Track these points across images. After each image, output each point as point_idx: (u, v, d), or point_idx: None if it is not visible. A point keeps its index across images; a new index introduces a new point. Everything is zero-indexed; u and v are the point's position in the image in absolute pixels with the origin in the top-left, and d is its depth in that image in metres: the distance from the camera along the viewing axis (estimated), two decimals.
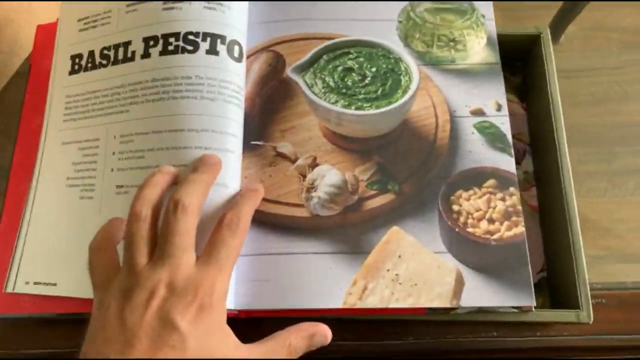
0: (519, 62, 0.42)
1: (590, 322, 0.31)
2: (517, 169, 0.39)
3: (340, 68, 0.34)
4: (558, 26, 0.53)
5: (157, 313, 0.23)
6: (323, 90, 0.34)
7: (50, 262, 0.32)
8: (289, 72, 0.34)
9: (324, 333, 0.27)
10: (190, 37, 0.32)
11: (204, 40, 0.32)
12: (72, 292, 0.31)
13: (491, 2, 0.36)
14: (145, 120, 0.31)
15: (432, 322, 0.34)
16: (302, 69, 0.34)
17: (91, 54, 0.34)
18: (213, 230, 0.26)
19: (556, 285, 0.35)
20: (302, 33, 0.35)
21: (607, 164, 0.50)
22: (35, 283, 0.31)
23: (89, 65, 0.34)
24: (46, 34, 0.38)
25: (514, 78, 0.42)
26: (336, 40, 0.35)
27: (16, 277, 0.32)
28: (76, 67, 0.35)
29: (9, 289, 0.32)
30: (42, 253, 0.32)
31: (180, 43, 0.31)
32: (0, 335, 0.35)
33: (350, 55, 0.35)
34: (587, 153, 0.50)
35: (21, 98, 0.38)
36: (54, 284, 0.31)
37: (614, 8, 0.54)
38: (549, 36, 0.38)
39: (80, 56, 0.35)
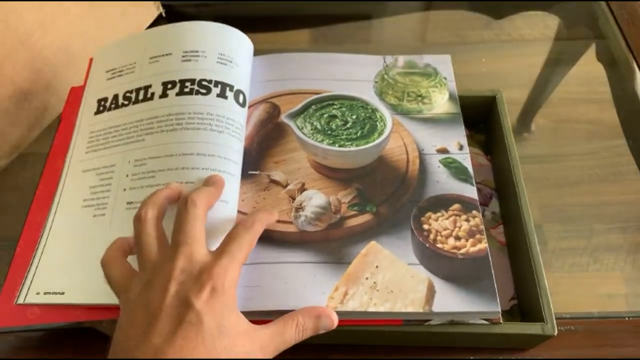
0: (482, 123, 0.49)
1: (555, 334, 0.34)
2: (484, 210, 0.44)
3: (326, 115, 0.41)
4: (527, 116, 0.61)
5: (175, 295, 0.26)
6: (311, 132, 0.40)
7: (61, 273, 0.34)
8: (283, 117, 0.41)
9: (329, 315, 0.29)
10: (204, 82, 0.38)
11: (215, 86, 0.38)
12: (78, 299, 0.33)
13: (451, 69, 0.44)
14: (158, 146, 0.36)
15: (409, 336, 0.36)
16: (294, 115, 0.41)
17: (115, 96, 0.40)
18: (230, 230, 0.30)
19: (525, 310, 0.38)
20: (295, 89, 0.42)
21: (587, 240, 0.54)
22: (45, 293, 0.34)
23: (113, 105, 0.40)
24: (77, 95, 0.45)
25: (478, 135, 0.49)
26: (323, 94, 0.42)
27: (28, 289, 0.34)
28: (101, 108, 0.41)
29: (20, 300, 0.34)
30: (54, 265, 0.35)
31: (195, 87, 0.38)
32: (8, 350, 0.37)
33: (335, 106, 0.41)
34: (567, 230, 0.54)
35: (47, 149, 0.44)
36: (62, 293, 0.34)
37: (578, 104, 0.62)
38: (503, 97, 0.46)
39: (105, 99, 0.41)
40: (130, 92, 0.40)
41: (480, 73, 0.63)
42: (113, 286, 0.29)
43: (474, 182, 0.37)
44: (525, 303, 0.38)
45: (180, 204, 0.30)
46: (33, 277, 0.35)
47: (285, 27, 0.63)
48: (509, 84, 0.64)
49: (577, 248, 0.54)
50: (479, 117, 0.48)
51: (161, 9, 0.59)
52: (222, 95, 0.38)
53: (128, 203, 0.35)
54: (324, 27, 0.63)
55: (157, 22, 0.59)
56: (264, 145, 0.39)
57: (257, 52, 0.43)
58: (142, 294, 0.27)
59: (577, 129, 0.59)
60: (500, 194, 0.44)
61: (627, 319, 0.40)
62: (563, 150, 0.61)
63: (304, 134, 0.39)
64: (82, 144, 0.40)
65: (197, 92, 0.38)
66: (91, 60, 0.45)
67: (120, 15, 0.54)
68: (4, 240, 0.41)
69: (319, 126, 0.40)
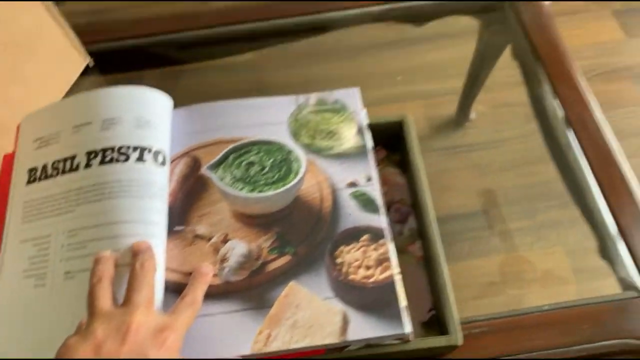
0: (398, 144, 0.52)
1: (459, 344, 0.38)
2: (402, 227, 0.48)
3: (244, 162, 0.44)
4: (464, 106, 0.65)
5: (132, 349, 0.30)
6: (232, 181, 0.43)
7: (5, 346, 0.37)
8: (203, 170, 0.44)
9: None
10: (123, 149, 0.41)
11: (134, 151, 0.41)
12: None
13: (359, 101, 0.47)
14: (87, 217, 0.39)
15: None
16: (215, 166, 0.44)
17: (44, 167, 0.43)
18: (177, 303, 0.35)
19: (440, 320, 0.42)
20: (214, 139, 0.45)
21: (531, 220, 0.59)
22: None
23: (43, 176, 0.42)
24: (10, 162, 0.47)
25: (394, 156, 0.52)
26: (240, 142, 0.45)
27: None
28: (32, 178, 0.43)
29: None
30: (1, 336, 0.38)
31: (115, 154, 0.41)
32: None
33: (253, 152, 0.44)
34: (514, 212, 0.59)
35: None
36: None
37: (512, 87, 0.66)
38: (411, 121, 0.49)
39: (35, 169, 0.43)
40: (58, 162, 0.42)
41: (412, 68, 0.66)
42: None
43: (381, 211, 0.41)
44: (440, 313, 0.42)
45: (134, 266, 0.35)
46: None
47: (206, 75, 0.66)
48: (445, 75, 0.68)
49: (522, 228, 0.59)
50: (394, 139, 0.51)
51: (89, 59, 0.61)
52: (140, 159, 0.41)
53: (66, 273, 0.38)
54: (241, 70, 0.66)
55: (86, 72, 0.61)
56: (187, 199, 0.42)
57: (179, 104, 0.46)
58: (93, 344, 0.30)
59: (514, 112, 0.63)
60: (416, 211, 0.48)
61: (533, 314, 0.44)
62: (503, 135, 0.65)
63: (225, 184, 0.43)
64: (18, 214, 0.42)
65: (117, 160, 0.40)
66: (18, 127, 0.46)
67: (46, 76, 0.55)
68: None
69: (238, 174, 0.43)
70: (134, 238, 0.38)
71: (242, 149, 0.45)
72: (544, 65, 0.59)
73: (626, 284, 0.46)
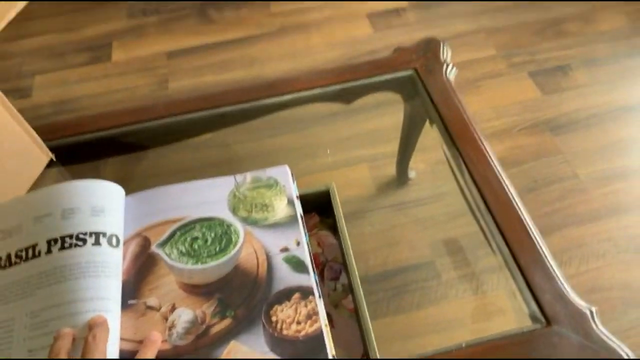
0: (329, 209, 0.60)
1: None
2: (336, 283, 0.54)
3: (189, 238, 0.50)
4: (402, 167, 0.73)
5: None
6: (178, 256, 0.49)
7: None
8: (153, 248, 0.49)
9: None
10: (81, 235, 0.46)
11: (90, 236, 0.47)
12: None
13: (289, 176, 0.55)
14: (47, 298, 0.44)
15: None
16: (163, 244, 0.50)
17: (8, 256, 0.47)
18: None
19: None
20: (161, 220, 0.51)
21: (473, 266, 0.66)
22: None
23: (7, 264, 0.47)
24: None
25: (328, 220, 0.60)
26: (185, 220, 0.51)
27: None
28: None
29: None
30: None
31: (74, 240, 0.46)
32: None
33: (196, 228, 0.51)
34: (456, 260, 0.65)
35: None
36: None
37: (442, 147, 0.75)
38: (335, 190, 0.57)
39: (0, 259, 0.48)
40: (21, 250, 0.47)
41: (350, 136, 0.75)
42: None
43: (310, 271, 0.47)
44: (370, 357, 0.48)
45: (87, 338, 0.39)
46: None
47: (158, 158, 0.73)
48: (380, 140, 0.76)
49: (466, 274, 0.65)
50: (326, 205, 0.58)
51: (51, 155, 0.67)
52: (96, 243, 0.46)
53: (29, 351, 0.42)
54: (188, 152, 0.74)
55: (49, 165, 0.67)
56: (139, 275, 0.48)
57: (140, 188, 0.52)
58: None
59: (448, 168, 0.70)
60: (345, 268, 0.55)
61: (453, 351, 0.50)
62: (442, 189, 0.73)
63: (171, 259, 0.48)
64: None
65: (76, 245, 0.46)
66: None
67: (12, 172, 0.61)
68: None
69: (183, 249, 0.49)
70: (91, 314, 0.43)
71: (187, 226, 0.51)
72: (447, 128, 0.69)
73: (534, 317, 0.53)
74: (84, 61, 1.35)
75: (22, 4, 1.33)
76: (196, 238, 0.50)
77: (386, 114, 0.81)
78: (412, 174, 0.78)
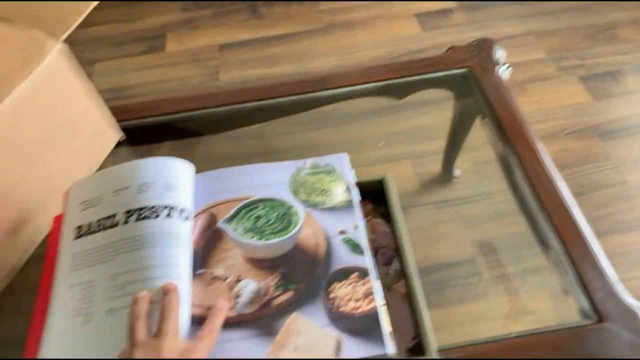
0: (382, 198, 0.62)
1: None
2: (388, 269, 0.56)
3: (253, 216, 0.53)
4: (448, 165, 0.74)
5: None
6: (243, 232, 0.52)
7: None
8: (219, 224, 0.53)
9: None
10: (154, 208, 0.50)
11: (164, 209, 0.50)
12: None
13: (348, 163, 0.57)
14: (126, 263, 0.48)
15: None
16: (229, 220, 0.53)
17: (89, 224, 0.52)
18: (199, 331, 0.43)
19: (422, 347, 0.49)
20: (227, 198, 0.55)
21: (515, 266, 0.66)
22: None
23: (88, 232, 0.51)
24: (58, 222, 0.56)
25: (381, 208, 0.62)
26: (250, 200, 0.54)
27: None
28: (79, 234, 0.52)
29: None
30: None
31: (149, 212, 0.50)
32: None
33: (259, 207, 0.54)
34: (497, 260, 0.66)
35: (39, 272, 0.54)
36: None
37: (490, 146, 0.76)
38: (391, 180, 0.59)
39: (81, 227, 0.52)
40: (101, 220, 0.52)
41: (398, 132, 0.76)
42: None
43: (367, 254, 0.50)
44: (422, 340, 0.50)
45: (163, 304, 0.43)
46: None
47: (220, 144, 0.77)
48: (428, 137, 0.78)
49: (508, 273, 0.66)
50: (379, 194, 0.61)
51: (121, 134, 0.72)
52: (169, 215, 0.50)
53: (109, 310, 0.46)
54: (250, 139, 0.77)
55: (120, 145, 0.72)
56: (207, 248, 0.51)
57: (199, 170, 0.56)
58: None
59: (497, 167, 0.71)
60: (399, 254, 0.57)
61: (500, 341, 0.51)
62: (488, 188, 0.74)
63: (237, 234, 0.52)
64: (67, 265, 0.51)
65: (150, 217, 0.50)
66: (65, 193, 0.56)
67: (87, 149, 0.66)
68: None
69: (248, 226, 0.52)
70: (164, 279, 0.46)
71: (251, 205, 0.54)
72: (502, 126, 0.69)
73: (585, 314, 0.54)
74: (141, 51, 1.42)
75: (95, 2, 1.42)
76: (259, 216, 0.53)
77: (433, 112, 0.82)
78: (456, 172, 0.79)
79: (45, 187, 0.60)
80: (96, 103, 0.66)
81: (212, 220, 0.53)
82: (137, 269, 0.47)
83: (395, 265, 0.57)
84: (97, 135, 0.68)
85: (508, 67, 0.79)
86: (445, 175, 0.78)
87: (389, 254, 0.58)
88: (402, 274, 0.56)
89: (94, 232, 0.51)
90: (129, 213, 0.50)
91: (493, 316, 0.61)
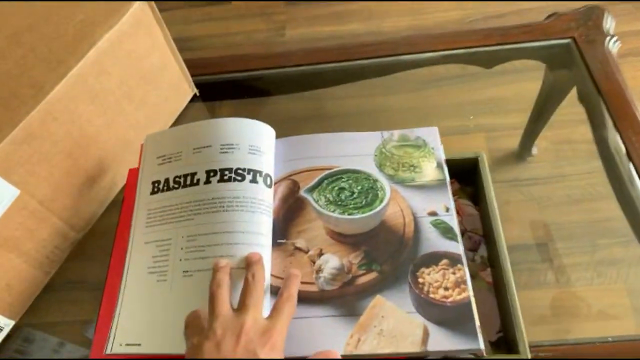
0: (471, 177, 0.57)
1: None
2: (474, 255, 0.53)
3: (336, 188, 0.50)
4: (528, 140, 0.68)
5: (244, 346, 0.36)
6: (325, 203, 0.49)
7: (136, 327, 0.45)
8: (302, 192, 0.50)
9: (336, 354, 0.40)
10: (239, 171, 0.48)
11: (248, 173, 0.48)
12: (152, 349, 0.43)
13: (438, 139, 0.53)
14: (205, 225, 0.46)
15: None
16: (311, 190, 0.50)
17: (167, 180, 0.50)
18: (276, 302, 0.41)
19: (509, 341, 0.46)
20: (310, 166, 0.52)
21: (590, 255, 0.61)
22: (127, 344, 0.44)
23: (165, 188, 0.50)
24: (134, 175, 0.55)
25: (468, 188, 0.57)
26: (333, 170, 0.51)
27: (113, 341, 0.45)
28: (155, 189, 0.50)
29: (108, 351, 0.44)
30: (130, 321, 0.45)
31: (232, 175, 0.48)
32: None
33: (343, 179, 0.51)
34: (570, 247, 0.61)
35: (116, 220, 0.55)
36: (139, 344, 0.44)
37: (577, 125, 0.69)
38: (484, 158, 0.54)
39: (158, 182, 0.51)
40: (179, 177, 0.50)
41: (477, 102, 0.71)
42: (187, 332, 0.39)
43: (459, 239, 0.46)
44: (508, 335, 0.46)
45: (248, 277, 0.41)
46: (115, 331, 0.45)
47: (292, 105, 0.73)
48: (508, 109, 0.72)
49: (581, 263, 0.61)
50: (467, 173, 0.56)
51: (195, 90, 0.70)
52: (254, 180, 0.48)
53: (184, 272, 0.45)
54: (326, 101, 0.73)
55: (193, 100, 0.70)
56: (288, 217, 0.49)
57: (278, 135, 0.53)
58: (214, 342, 0.37)
59: (576, 149, 0.66)
60: (487, 240, 0.53)
61: (596, 344, 0.47)
62: (565, 170, 0.68)
63: (319, 205, 0.49)
64: (142, 220, 0.50)
65: (234, 179, 0.48)
66: (142, 146, 0.55)
67: (163, 102, 0.65)
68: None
69: (331, 198, 0.49)
70: (246, 246, 0.44)
71: (335, 175, 0.51)
72: (607, 105, 0.62)
73: None
74: (206, 2, 1.38)
75: None
76: (343, 188, 0.50)
77: (519, 82, 0.75)
78: (534, 150, 0.73)
79: (123, 138, 0.60)
80: (175, 56, 0.63)
81: (295, 188, 0.51)
82: (217, 232, 0.46)
83: (482, 251, 0.53)
84: (174, 88, 0.67)
85: (617, 41, 0.70)
86: (521, 153, 0.72)
87: (475, 239, 0.54)
88: (489, 262, 0.52)
89: (172, 188, 0.50)
90: (210, 173, 0.49)
91: (559, 306, 0.57)
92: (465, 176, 0.57)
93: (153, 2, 0.57)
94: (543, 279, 0.60)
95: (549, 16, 0.73)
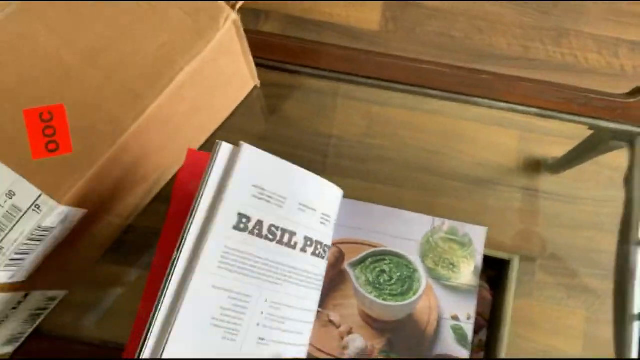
0: (494, 263, 0.61)
1: None
2: (474, 337, 0.60)
3: (377, 269, 0.54)
4: (574, 156, 0.69)
5: None
6: (364, 283, 0.54)
7: None
8: (346, 265, 0.54)
9: None
10: (325, 247, 0.49)
11: (327, 250, 0.50)
12: None
13: (484, 241, 0.56)
14: (291, 297, 0.45)
15: None
16: (355, 265, 0.54)
17: (259, 222, 0.43)
18: None
19: None
20: (357, 238, 0.55)
21: (569, 279, 0.68)
22: None
23: (256, 231, 0.43)
24: (193, 159, 0.46)
25: (489, 271, 0.62)
26: (379, 248, 0.55)
27: None
28: (242, 225, 0.42)
29: None
30: None
31: (322, 250, 0.49)
32: None
33: (386, 261, 0.55)
34: (555, 267, 0.68)
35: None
36: None
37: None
38: (516, 263, 0.58)
39: (248, 218, 0.42)
40: (277, 228, 0.44)
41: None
42: None
43: (469, 348, 0.53)
44: None
45: None
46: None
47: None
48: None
49: (559, 284, 0.69)
50: (495, 261, 0.60)
51: (257, 81, 0.66)
52: (320, 256, 0.49)
53: (260, 339, 0.42)
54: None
55: (252, 91, 0.67)
56: (329, 287, 0.54)
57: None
58: None
59: (601, 173, 0.68)
60: (489, 328, 0.60)
61: None
62: (582, 193, 0.71)
63: (359, 284, 0.54)
64: (215, 256, 0.41)
65: (321, 256, 0.49)
66: (216, 143, 0.43)
67: (223, 87, 0.62)
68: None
69: (370, 279, 0.54)
70: (310, 325, 0.48)
71: (379, 255, 0.55)
72: None
73: None
74: None
75: None
76: (383, 271, 0.54)
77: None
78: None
79: (184, 142, 0.59)
80: (248, 59, 0.59)
81: (340, 257, 0.55)
82: (299, 308, 0.46)
83: (482, 334, 0.61)
84: (235, 76, 0.63)
85: None
86: (555, 165, 0.73)
87: (481, 323, 0.61)
88: (485, 347, 0.60)
89: (264, 237, 0.43)
90: (307, 241, 0.46)
91: (523, 314, 0.62)
92: (489, 260, 0.61)
93: (239, 19, 0.51)
94: (520, 289, 0.68)
95: (633, 90, 0.69)
